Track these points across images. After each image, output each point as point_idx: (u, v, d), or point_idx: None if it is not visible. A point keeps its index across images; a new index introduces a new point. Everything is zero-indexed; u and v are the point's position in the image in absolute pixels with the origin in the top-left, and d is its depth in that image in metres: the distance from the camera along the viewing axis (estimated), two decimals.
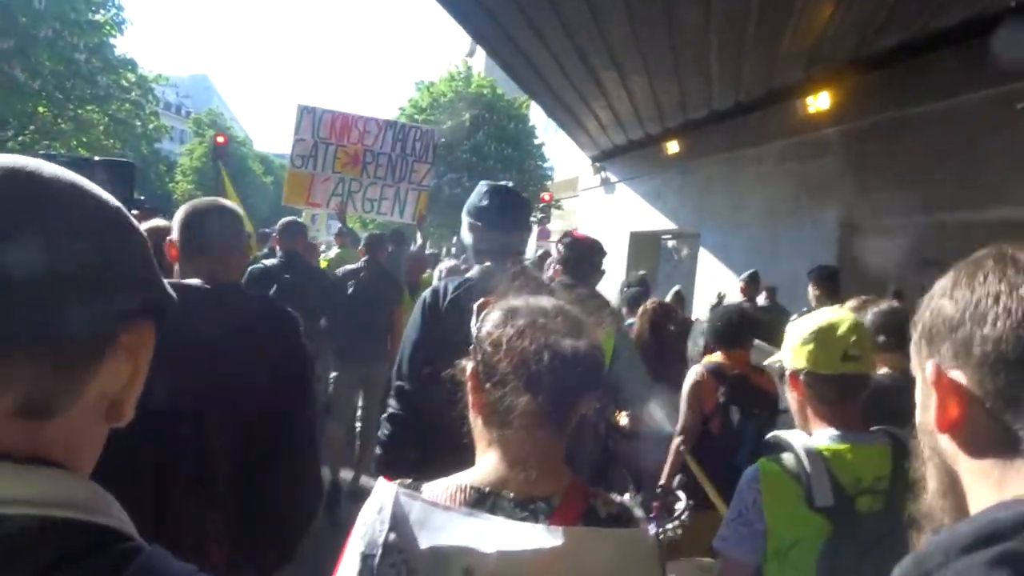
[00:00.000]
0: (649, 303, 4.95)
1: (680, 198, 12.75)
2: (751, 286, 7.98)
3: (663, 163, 12.81)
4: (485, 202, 2.74)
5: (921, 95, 7.45)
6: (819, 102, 8.45)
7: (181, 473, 1.84)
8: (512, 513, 1.17)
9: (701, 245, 11.88)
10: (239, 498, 1.91)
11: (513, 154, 28.82)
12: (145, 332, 0.69)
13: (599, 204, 16.71)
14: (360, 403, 5.92)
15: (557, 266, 3.54)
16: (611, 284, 13.65)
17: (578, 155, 17.57)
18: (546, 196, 20.07)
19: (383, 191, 8.91)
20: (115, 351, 0.66)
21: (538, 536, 1.12)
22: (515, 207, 2.79)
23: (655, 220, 13.71)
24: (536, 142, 30.90)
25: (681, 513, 2.59)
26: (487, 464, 1.24)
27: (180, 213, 2.20)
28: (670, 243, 15.42)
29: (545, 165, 31.84)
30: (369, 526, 1.17)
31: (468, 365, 1.29)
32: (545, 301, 1.30)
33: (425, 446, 2.40)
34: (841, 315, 1.96)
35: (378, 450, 2.64)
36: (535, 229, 26.57)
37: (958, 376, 0.72)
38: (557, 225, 24.54)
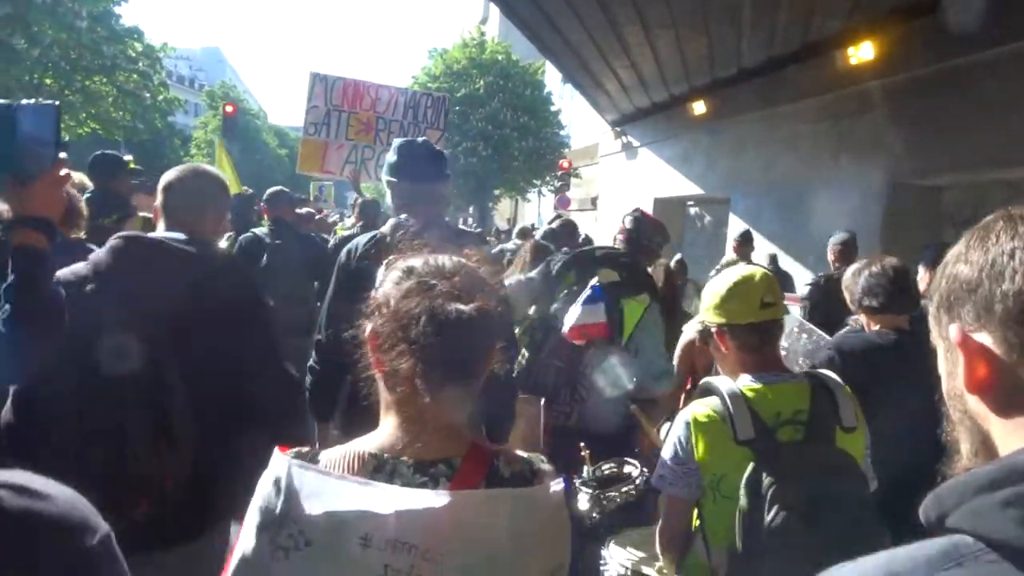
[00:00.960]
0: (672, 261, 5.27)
1: (708, 161, 12.17)
2: (744, 247, 7.79)
3: (689, 125, 12.23)
4: (395, 157, 2.81)
5: (973, 44, 6.84)
6: (861, 52, 7.84)
7: (137, 410, 1.91)
8: (411, 479, 1.16)
9: (731, 211, 11.32)
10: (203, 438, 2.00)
11: (529, 122, 28.13)
12: None
13: (621, 170, 16.14)
14: None
15: (619, 236, 3.78)
16: None
17: (597, 121, 16.96)
18: (564, 164, 19.47)
19: None
20: None
21: (434, 501, 1.11)
22: (425, 157, 2.82)
23: (681, 185, 13.15)
24: (552, 109, 30.20)
25: (633, 480, 2.62)
26: (386, 428, 1.24)
27: (162, 177, 2.34)
28: (695, 209, 14.85)
29: (562, 132, 31.17)
30: (265, 498, 1.16)
31: (367, 325, 1.25)
32: (446, 259, 1.27)
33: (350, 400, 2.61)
34: (751, 269, 2.14)
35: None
36: (553, 197, 26.08)
37: (983, 337, 0.73)
38: (576, 193, 23.97)
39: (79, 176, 4.21)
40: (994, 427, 0.73)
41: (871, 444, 2.09)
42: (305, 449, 1.21)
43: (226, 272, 2.30)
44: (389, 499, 1.11)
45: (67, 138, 22.58)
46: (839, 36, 8.16)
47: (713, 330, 2.12)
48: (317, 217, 10.15)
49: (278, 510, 1.13)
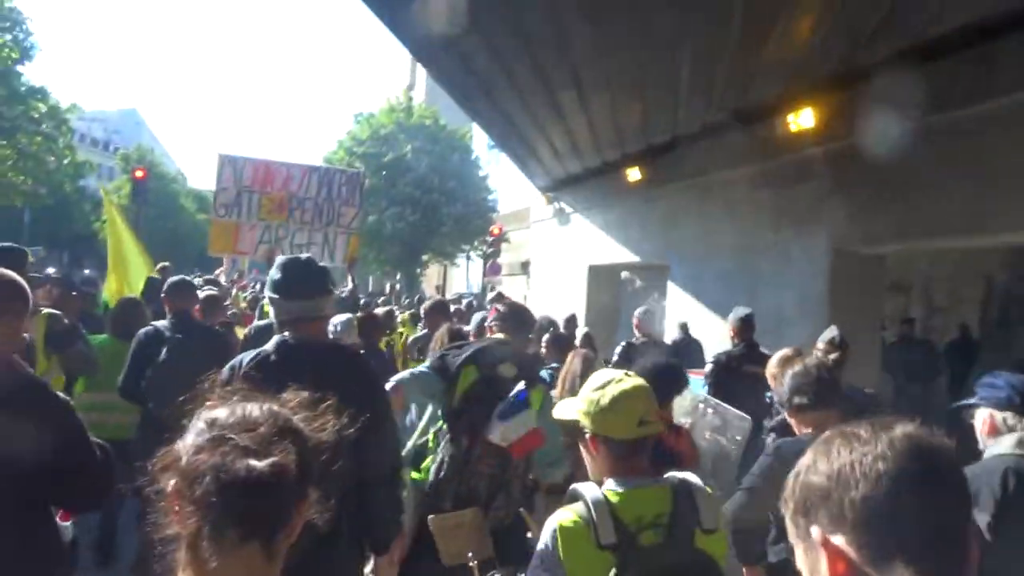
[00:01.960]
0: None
1: (644, 228, 11.90)
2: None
3: (624, 191, 11.98)
4: (278, 275, 2.83)
5: (913, 111, 6.73)
6: (801, 120, 7.67)
7: None
8: None
9: (669, 279, 11.00)
10: None
11: (457, 186, 27.92)
12: None
13: (553, 236, 15.81)
14: None
15: (495, 324, 3.85)
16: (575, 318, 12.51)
17: (527, 186, 16.70)
18: (495, 229, 19.11)
19: (311, 235, 9.04)
20: None
21: None
22: (308, 274, 2.85)
23: (616, 252, 12.84)
24: (480, 174, 30.07)
25: None
26: None
27: None
28: (631, 277, 14.58)
29: (490, 197, 31.05)
30: None
31: (166, 480, 1.16)
32: (256, 408, 1.21)
33: None
34: (633, 384, 2.13)
35: None
36: (485, 264, 25.68)
37: (838, 539, 0.86)
38: (506, 258, 23.60)
39: None
40: None
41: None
42: None
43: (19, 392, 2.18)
44: None
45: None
46: (777, 102, 8.01)
47: (587, 435, 2.13)
48: (236, 285, 9.53)
49: None
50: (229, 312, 7.54)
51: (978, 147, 6.34)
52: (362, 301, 9.19)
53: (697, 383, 5.41)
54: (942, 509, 0.86)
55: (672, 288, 10.92)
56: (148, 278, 7.68)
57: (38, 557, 2.14)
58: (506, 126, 11.00)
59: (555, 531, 2.00)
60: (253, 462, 1.12)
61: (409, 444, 3.75)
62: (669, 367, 3.68)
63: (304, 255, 3.11)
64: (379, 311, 8.25)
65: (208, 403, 1.26)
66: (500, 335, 3.76)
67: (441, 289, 31.26)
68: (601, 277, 14.15)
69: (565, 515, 2.01)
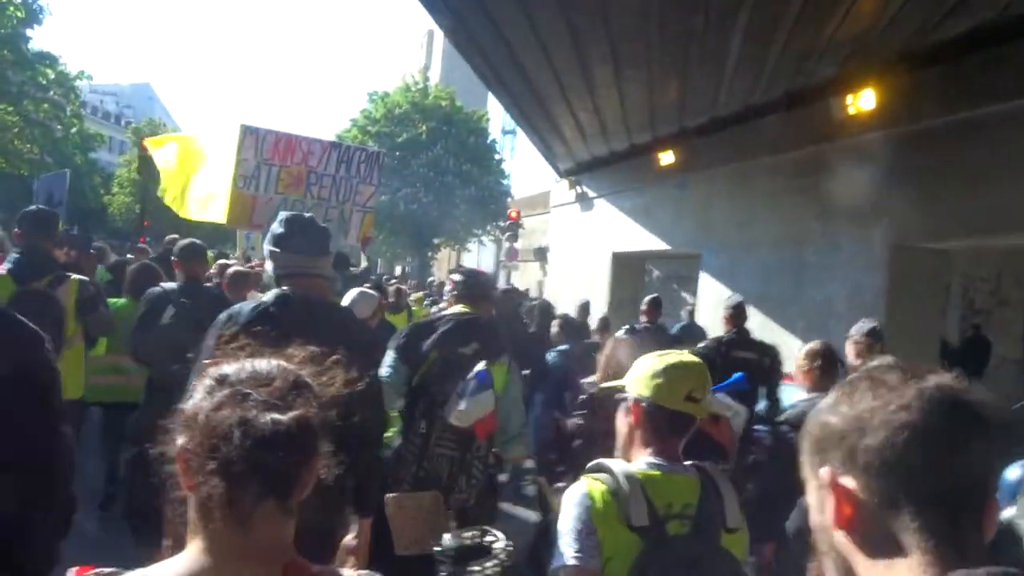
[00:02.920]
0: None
1: (675, 215, 11.31)
2: (654, 310, 7.46)
3: (653, 176, 11.39)
4: (279, 229, 2.82)
5: (993, 94, 6.13)
6: (861, 101, 7.07)
7: None
8: None
9: (702, 268, 10.43)
10: None
11: (472, 169, 27.29)
12: None
13: (574, 222, 15.23)
14: None
15: (454, 295, 3.79)
16: (596, 306, 12.03)
17: (545, 170, 16.13)
18: (513, 213, 18.51)
19: (327, 212, 8.68)
20: None
21: None
22: (309, 231, 2.84)
23: (642, 239, 12.26)
24: (496, 157, 29.47)
25: (499, 552, 2.48)
26: (190, 554, 1.12)
27: None
28: (658, 265, 14.02)
29: (504, 182, 30.44)
30: None
31: (177, 440, 1.11)
32: (264, 364, 1.18)
33: None
34: (693, 360, 2.09)
35: None
36: (504, 248, 25.18)
37: (848, 481, 0.85)
38: (520, 244, 23.03)
39: None
40: (859, 565, 0.85)
41: None
42: (107, 570, 1.15)
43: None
44: None
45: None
46: (834, 83, 7.41)
47: (631, 400, 2.07)
48: (252, 267, 9.14)
49: None
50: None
51: None
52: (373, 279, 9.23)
53: None
54: (961, 466, 0.83)
55: (704, 279, 10.34)
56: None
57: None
58: (532, 102, 10.41)
59: (585, 498, 1.92)
60: (278, 416, 1.09)
61: None
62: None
63: (307, 214, 3.06)
64: (390, 289, 8.25)
65: (211, 361, 1.23)
66: (460, 306, 3.69)
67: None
68: (625, 265, 13.58)
69: (594, 484, 1.94)
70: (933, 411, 0.83)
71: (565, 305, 9.98)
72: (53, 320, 3.88)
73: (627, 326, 7.22)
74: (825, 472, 0.87)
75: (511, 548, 2.47)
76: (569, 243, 15.57)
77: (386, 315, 6.65)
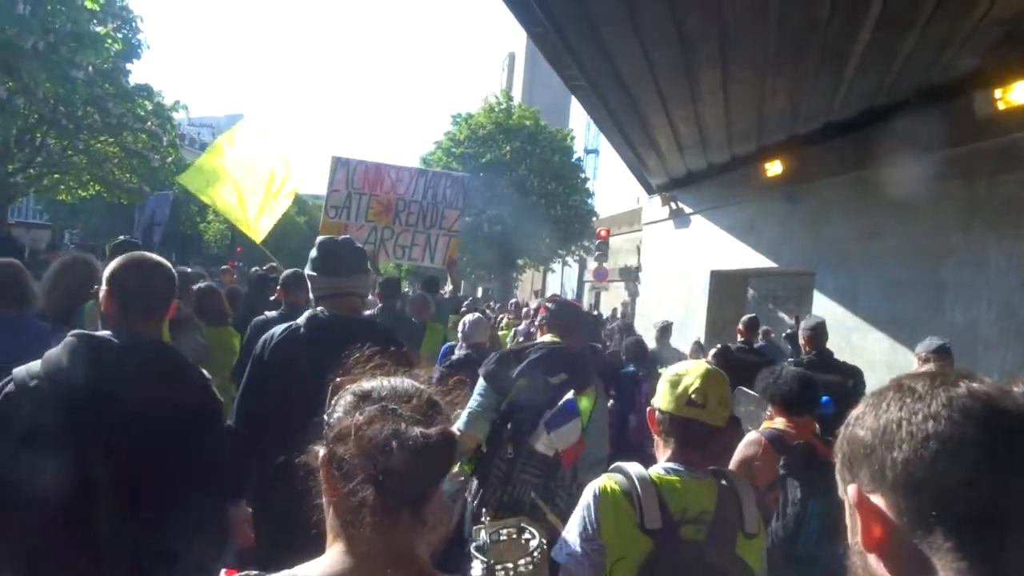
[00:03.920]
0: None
1: (782, 230, 10.48)
2: (749, 331, 7.33)
3: (757, 189, 10.62)
4: (314, 254, 3.06)
5: None
6: (1015, 95, 6.21)
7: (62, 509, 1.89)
8: None
9: (816, 288, 9.56)
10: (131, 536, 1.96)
11: (557, 188, 26.82)
12: None
13: (668, 239, 14.50)
14: None
15: (544, 322, 3.81)
16: (693, 327, 11.26)
17: (630, 188, 15.48)
18: (603, 232, 17.89)
19: (414, 237, 9.20)
20: None
21: None
22: (345, 252, 3.06)
23: (744, 257, 11.46)
24: (581, 176, 28.92)
25: (534, 550, 2.34)
26: (333, 556, 1.19)
27: (110, 269, 2.29)
28: (753, 284, 13.13)
29: (589, 201, 29.83)
30: None
31: (320, 451, 1.21)
32: (399, 382, 1.26)
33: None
34: (696, 365, 2.14)
35: None
36: (590, 268, 24.56)
37: (877, 499, 0.78)
38: (611, 264, 22.35)
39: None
40: None
41: None
42: (253, 573, 1.20)
43: (173, 372, 2.23)
44: None
45: (68, 200, 21.64)
46: (979, 76, 6.56)
47: (648, 408, 2.16)
48: None
49: None
50: None
51: None
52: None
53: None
54: (1000, 480, 0.73)
55: (819, 299, 9.47)
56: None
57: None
58: (628, 114, 9.83)
59: (597, 498, 1.97)
60: (426, 429, 1.14)
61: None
62: (809, 378, 3.54)
63: (342, 236, 3.23)
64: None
65: (346, 377, 1.28)
66: (550, 336, 3.70)
67: (540, 295, 30.26)
68: (724, 284, 12.76)
69: (608, 483, 1.98)
70: (965, 420, 0.76)
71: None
72: None
73: (720, 346, 6.95)
74: (853, 490, 0.81)
75: (545, 547, 2.49)
76: (663, 262, 14.84)
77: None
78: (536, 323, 4.05)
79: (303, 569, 1.18)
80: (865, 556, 0.80)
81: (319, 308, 2.95)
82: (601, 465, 3.49)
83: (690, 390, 2.05)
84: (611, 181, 19.57)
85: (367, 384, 1.24)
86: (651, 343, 8.53)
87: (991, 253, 6.91)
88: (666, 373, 2.15)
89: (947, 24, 5.86)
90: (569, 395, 3.27)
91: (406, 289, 13.48)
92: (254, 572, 1.19)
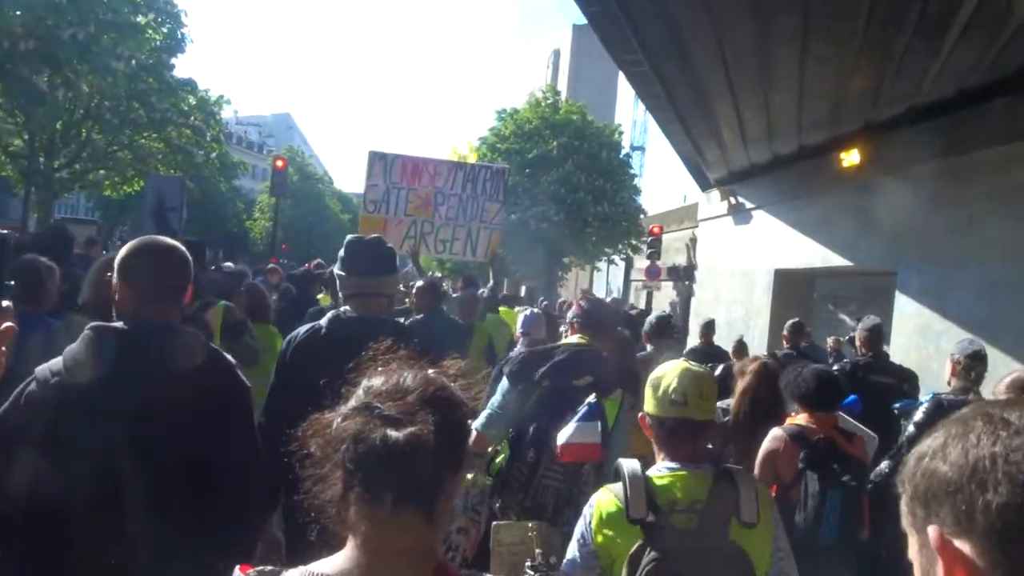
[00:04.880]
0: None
1: (858, 226, 9.69)
2: (795, 335, 7.28)
3: (829, 181, 9.86)
4: (343, 252, 3.10)
5: None
6: None
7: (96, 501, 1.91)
8: None
9: (898, 288, 8.77)
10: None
11: (605, 185, 26.10)
12: None
13: (727, 236, 13.77)
14: None
15: (576, 322, 3.72)
16: (754, 329, 10.51)
17: (680, 185, 14.76)
18: (655, 228, 17.18)
19: (455, 231, 9.12)
20: None
21: None
22: (373, 252, 3.08)
23: (813, 254, 10.69)
24: (630, 172, 28.17)
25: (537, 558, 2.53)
26: (345, 552, 1.21)
27: (121, 254, 2.26)
28: (824, 284, 12.34)
29: (637, 199, 29.06)
30: None
31: (317, 445, 1.24)
32: (410, 376, 1.24)
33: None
34: (673, 366, 2.20)
35: None
36: (641, 266, 23.84)
37: (963, 545, 0.70)
38: (666, 262, 21.59)
39: None
40: None
41: None
42: (267, 569, 1.22)
43: (195, 357, 2.17)
44: None
45: (114, 195, 21.69)
46: None
47: (640, 415, 2.25)
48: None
49: None
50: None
51: None
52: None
53: None
54: None
55: (901, 300, 8.68)
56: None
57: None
58: (691, 101, 9.15)
59: (592, 505, 2.07)
60: (391, 432, 1.14)
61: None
62: (828, 376, 3.66)
63: (371, 236, 3.24)
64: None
65: (365, 369, 1.29)
66: (577, 337, 3.63)
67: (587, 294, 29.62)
68: (790, 284, 11.99)
69: (603, 493, 2.08)
70: None
71: (717, 327, 8.62)
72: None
73: (767, 354, 6.31)
74: (934, 533, 0.72)
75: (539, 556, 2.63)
76: (720, 260, 14.10)
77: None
78: (568, 321, 3.86)
79: (318, 566, 1.20)
80: None
81: (343, 308, 2.99)
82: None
83: (670, 390, 2.11)
84: (658, 178, 18.91)
85: (377, 379, 1.24)
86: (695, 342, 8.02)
87: None
88: (649, 378, 2.21)
89: None
90: (591, 397, 3.24)
91: (445, 288, 13.12)
92: (269, 568, 1.21)
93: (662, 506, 1.95)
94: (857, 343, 5.93)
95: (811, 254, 10.73)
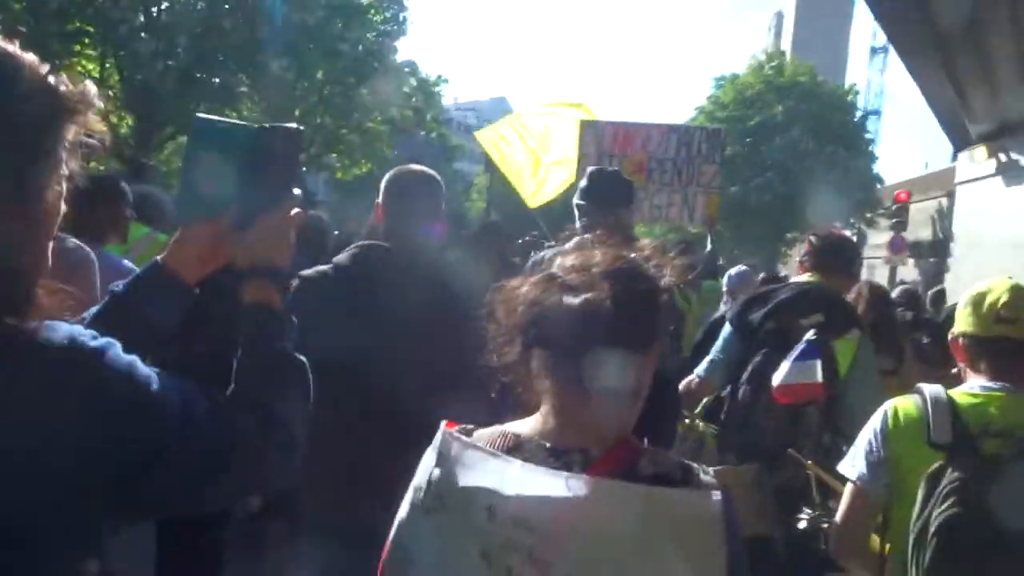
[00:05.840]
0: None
1: None
2: None
3: None
4: (584, 183, 3.12)
5: None
6: None
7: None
8: (544, 461, 1.17)
9: None
10: None
11: (837, 151, 23.75)
12: None
13: (993, 200, 11.79)
14: None
15: (806, 260, 3.48)
16: None
17: (924, 150, 12.78)
18: (902, 194, 15.24)
19: (670, 196, 8.76)
20: None
21: (560, 484, 1.11)
22: (612, 182, 3.10)
23: None
24: (867, 136, 25.52)
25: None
26: (536, 415, 1.26)
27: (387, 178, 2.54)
28: None
29: (874, 166, 26.27)
30: (425, 463, 1.26)
31: (500, 310, 1.29)
32: (600, 252, 1.24)
33: None
34: (999, 281, 2.01)
35: None
36: (874, 240, 21.55)
37: None
38: (912, 235, 19.25)
39: None
40: None
41: None
42: (469, 426, 1.27)
43: (439, 274, 2.36)
44: (517, 477, 1.13)
45: (345, 178, 23.17)
46: None
47: (950, 337, 2.07)
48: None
49: (429, 475, 1.21)
50: None
51: None
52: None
53: None
54: None
55: None
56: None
57: None
58: (958, 34, 7.74)
59: (886, 414, 1.96)
60: (564, 298, 1.15)
61: None
62: None
63: (612, 167, 3.60)
64: None
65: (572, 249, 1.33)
66: (808, 276, 3.38)
67: None
68: None
69: (899, 403, 1.97)
70: None
71: None
72: None
73: None
74: None
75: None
76: (984, 229, 12.09)
77: None
78: (798, 259, 3.66)
79: (510, 424, 1.26)
80: None
81: (586, 236, 2.85)
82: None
83: (999, 305, 1.92)
84: (896, 146, 16.68)
85: (573, 257, 1.25)
86: None
87: None
88: (964, 296, 2.04)
89: None
90: (810, 334, 3.03)
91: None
92: (470, 425, 1.26)
93: (972, 428, 1.79)
94: None
95: None
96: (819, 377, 2.98)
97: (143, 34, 14.11)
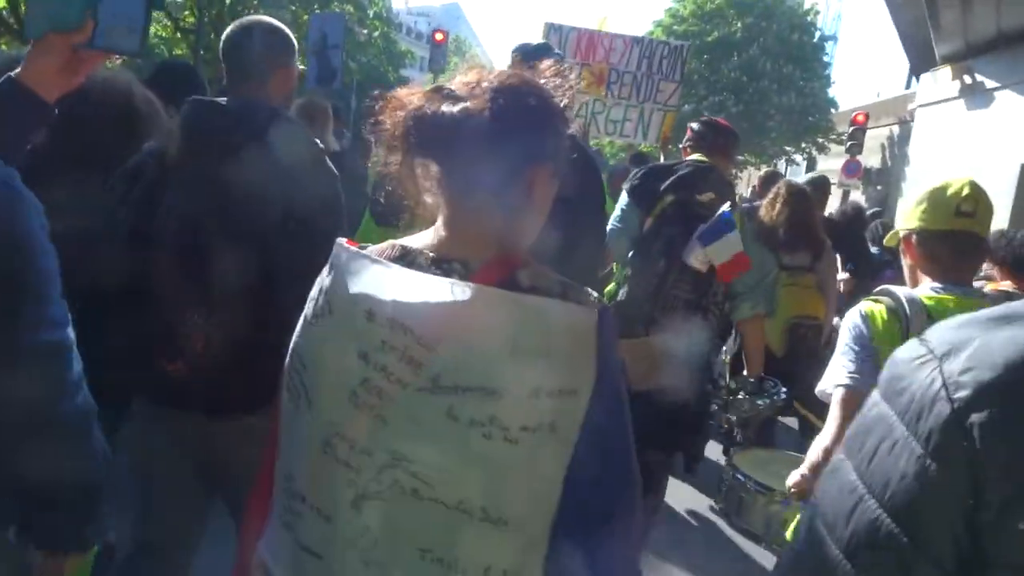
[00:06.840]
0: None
1: None
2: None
3: None
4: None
5: None
6: None
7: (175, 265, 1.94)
8: (426, 270, 1.18)
9: None
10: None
11: (794, 72, 23.18)
12: None
13: (955, 124, 11.49)
14: None
15: (689, 144, 3.58)
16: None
17: (877, 78, 12.37)
18: (860, 116, 14.85)
19: (627, 112, 8.79)
20: None
21: (442, 289, 1.11)
22: (540, 46, 2.97)
23: None
24: (824, 58, 24.97)
25: (775, 394, 2.84)
26: (431, 229, 1.26)
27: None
28: None
29: (829, 90, 25.82)
30: (320, 275, 1.26)
31: (387, 120, 1.28)
32: (506, 71, 1.20)
33: None
34: (959, 178, 1.97)
35: None
36: (823, 166, 21.31)
37: None
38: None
39: None
40: None
41: None
42: (365, 245, 1.25)
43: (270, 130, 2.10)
44: (396, 282, 1.14)
45: None
46: None
47: (901, 236, 2.01)
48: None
49: (321, 284, 1.23)
50: None
51: None
52: None
53: None
54: None
55: None
56: None
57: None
58: None
59: (864, 316, 1.95)
60: (445, 106, 1.13)
61: None
62: None
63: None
64: None
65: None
66: (696, 156, 3.48)
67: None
68: None
69: (871, 304, 1.96)
70: None
71: None
72: None
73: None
74: None
75: (784, 394, 2.91)
76: (945, 153, 11.83)
77: None
78: (680, 146, 3.77)
79: (406, 240, 1.24)
80: None
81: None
82: (750, 297, 3.32)
83: (961, 197, 1.87)
84: (850, 74, 16.24)
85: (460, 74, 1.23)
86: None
87: None
88: (920, 193, 1.95)
89: None
90: (725, 207, 3.13)
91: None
92: (367, 246, 1.25)
93: None
94: None
95: None
96: (740, 248, 3.09)
97: None
